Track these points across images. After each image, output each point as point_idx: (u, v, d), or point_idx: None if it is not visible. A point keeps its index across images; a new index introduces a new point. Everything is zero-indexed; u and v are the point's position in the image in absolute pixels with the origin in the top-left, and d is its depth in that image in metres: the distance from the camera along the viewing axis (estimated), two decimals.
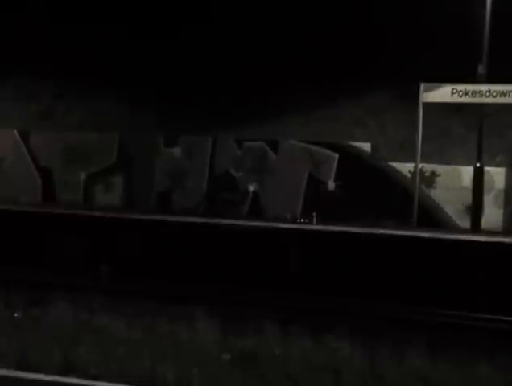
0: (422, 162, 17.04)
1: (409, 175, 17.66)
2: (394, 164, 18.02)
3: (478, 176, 16.39)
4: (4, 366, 6.69)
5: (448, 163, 17.64)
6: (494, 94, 16.09)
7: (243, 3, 19.40)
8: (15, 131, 20.54)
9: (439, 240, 13.24)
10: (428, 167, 17.64)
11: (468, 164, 17.03)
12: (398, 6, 17.46)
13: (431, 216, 17.38)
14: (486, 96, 16.15)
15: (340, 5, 18.52)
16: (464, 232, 15.47)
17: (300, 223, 15.86)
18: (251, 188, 17.96)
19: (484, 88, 16.19)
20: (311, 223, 15.77)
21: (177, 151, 19.42)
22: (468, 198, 16.70)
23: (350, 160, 18.13)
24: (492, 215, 17.01)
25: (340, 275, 12.92)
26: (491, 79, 16.14)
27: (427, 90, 16.59)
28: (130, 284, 12.24)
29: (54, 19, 20.76)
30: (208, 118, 19.02)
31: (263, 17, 19.14)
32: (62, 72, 20.32)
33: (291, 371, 7.09)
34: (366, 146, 18.33)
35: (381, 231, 13.90)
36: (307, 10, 18.90)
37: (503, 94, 16.06)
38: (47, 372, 6.50)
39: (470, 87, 16.30)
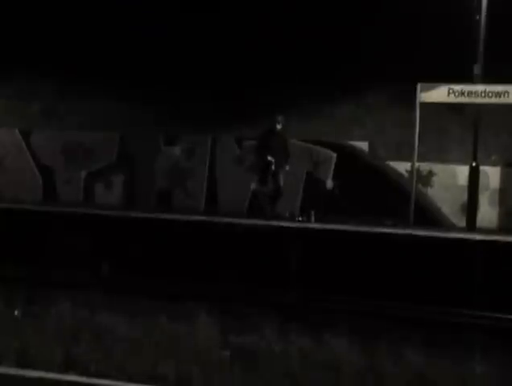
0: (419, 161, 17.16)
1: (406, 174, 17.77)
2: (392, 163, 18.14)
3: (474, 175, 16.49)
4: (4, 364, 6.78)
5: (445, 162, 17.78)
6: (490, 94, 16.21)
7: (243, 2, 19.47)
8: (16, 130, 20.61)
9: (435, 238, 13.33)
10: (425, 166, 17.76)
11: (464, 163, 17.13)
12: (396, 6, 17.55)
13: (428, 215, 17.50)
14: (482, 97, 16.27)
15: (339, 5, 18.60)
16: (460, 230, 15.58)
17: (298, 221, 15.97)
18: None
19: (480, 88, 16.31)
20: (309, 221, 15.88)
21: (177, 150, 19.51)
22: (464, 197, 16.80)
23: (348, 159, 18.24)
24: (487, 214, 17.14)
25: (338, 273, 12.99)
26: (487, 79, 16.26)
27: (424, 90, 16.70)
28: (131, 282, 12.32)
29: (54, 17, 20.82)
30: (208, 117, 19.10)
31: (263, 16, 19.19)
32: (63, 71, 20.38)
33: (291, 369, 7.18)
34: (364, 146, 18.44)
35: (379, 229, 13.99)
36: (306, 9, 18.97)
37: (499, 94, 16.19)
38: (47, 370, 6.59)
39: (466, 87, 16.42)
